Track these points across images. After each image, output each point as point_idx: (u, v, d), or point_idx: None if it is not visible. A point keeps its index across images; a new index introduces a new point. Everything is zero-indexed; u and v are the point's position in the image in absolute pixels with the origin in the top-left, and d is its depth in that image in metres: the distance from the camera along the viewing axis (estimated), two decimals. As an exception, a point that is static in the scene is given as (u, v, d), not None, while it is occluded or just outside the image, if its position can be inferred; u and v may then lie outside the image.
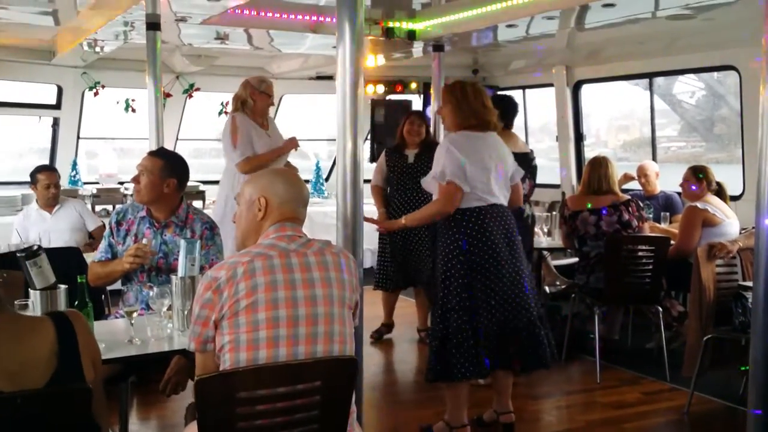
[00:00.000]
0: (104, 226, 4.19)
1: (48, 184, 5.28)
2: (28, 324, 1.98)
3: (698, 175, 5.06)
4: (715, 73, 9.33)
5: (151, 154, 3.53)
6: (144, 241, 3.34)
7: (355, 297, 2.38)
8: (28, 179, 5.35)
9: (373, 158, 7.95)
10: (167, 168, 3.38)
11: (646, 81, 7.56)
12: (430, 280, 4.62)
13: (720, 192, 5.08)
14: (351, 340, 2.31)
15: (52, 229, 5.22)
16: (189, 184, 3.81)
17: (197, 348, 2.23)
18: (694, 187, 5.06)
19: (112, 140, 8.53)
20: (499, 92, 8.06)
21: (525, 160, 4.61)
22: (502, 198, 3.79)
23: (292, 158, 5.30)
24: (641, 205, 5.15)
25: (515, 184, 3.95)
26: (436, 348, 3.71)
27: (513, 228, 3.80)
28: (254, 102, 4.97)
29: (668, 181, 6.09)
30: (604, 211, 4.88)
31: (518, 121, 8.18)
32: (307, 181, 8.17)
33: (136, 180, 3.38)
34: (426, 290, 5.49)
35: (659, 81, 8.19)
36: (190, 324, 2.27)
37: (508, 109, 4.71)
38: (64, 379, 1.91)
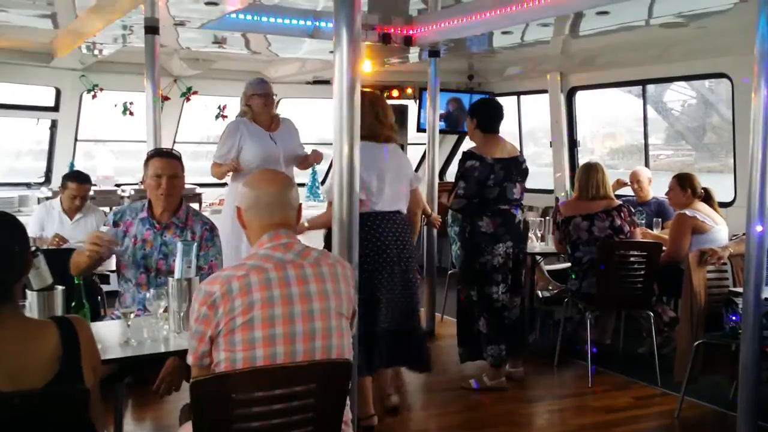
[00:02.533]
0: None
1: (75, 195, 5.22)
2: (34, 328, 2.00)
3: (683, 183, 5.12)
4: (707, 82, 9.37)
5: (168, 155, 3.48)
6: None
7: (352, 306, 2.36)
8: (24, 181, 5.30)
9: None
10: (183, 167, 3.46)
11: (637, 89, 7.61)
12: None
13: (707, 198, 5.13)
14: (349, 351, 2.30)
15: (68, 235, 5.05)
16: (186, 186, 3.84)
17: (194, 363, 2.22)
18: (681, 195, 5.11)
19: (109, 142, 8.53)
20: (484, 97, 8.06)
21: (515, 164, 4.63)
22: (396, 206, 3.98)
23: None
24: (633, 210, 5.20)
25: (413, 188, 4.20)
26: None
27: (406, 235, 4.00)
28: (250, 107, 4.95)
29: (659, 189, 6.17)
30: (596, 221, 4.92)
31: (513, 128, 8.28)
32: (302, 185, 8.24)
33: (159, 185, 3.36)
34: None
35: (650, 89, 8.24)
36: (188, 338, 2.26)
37: (489, 115, 4.66)
38: (63, 383, 1.93)
